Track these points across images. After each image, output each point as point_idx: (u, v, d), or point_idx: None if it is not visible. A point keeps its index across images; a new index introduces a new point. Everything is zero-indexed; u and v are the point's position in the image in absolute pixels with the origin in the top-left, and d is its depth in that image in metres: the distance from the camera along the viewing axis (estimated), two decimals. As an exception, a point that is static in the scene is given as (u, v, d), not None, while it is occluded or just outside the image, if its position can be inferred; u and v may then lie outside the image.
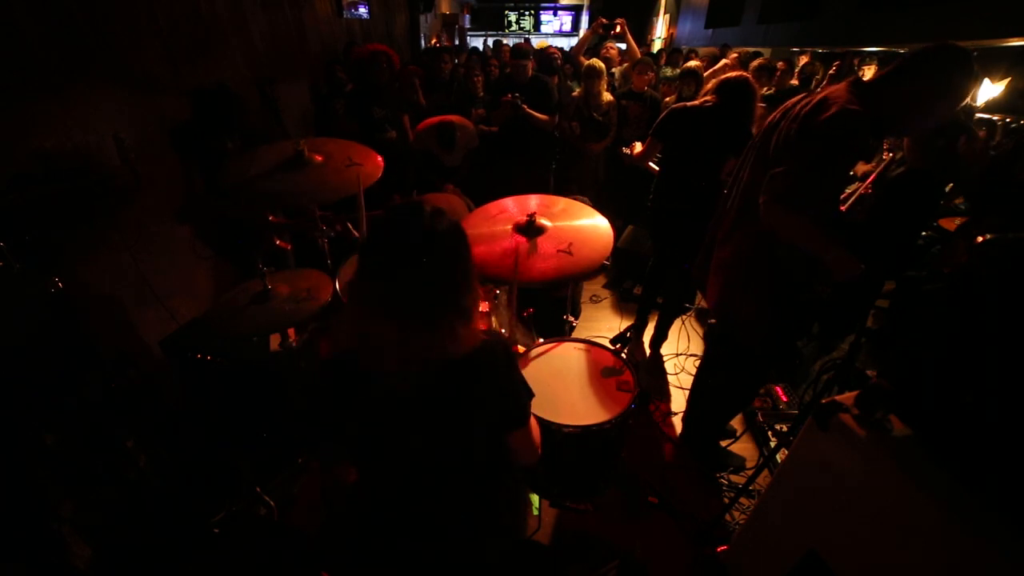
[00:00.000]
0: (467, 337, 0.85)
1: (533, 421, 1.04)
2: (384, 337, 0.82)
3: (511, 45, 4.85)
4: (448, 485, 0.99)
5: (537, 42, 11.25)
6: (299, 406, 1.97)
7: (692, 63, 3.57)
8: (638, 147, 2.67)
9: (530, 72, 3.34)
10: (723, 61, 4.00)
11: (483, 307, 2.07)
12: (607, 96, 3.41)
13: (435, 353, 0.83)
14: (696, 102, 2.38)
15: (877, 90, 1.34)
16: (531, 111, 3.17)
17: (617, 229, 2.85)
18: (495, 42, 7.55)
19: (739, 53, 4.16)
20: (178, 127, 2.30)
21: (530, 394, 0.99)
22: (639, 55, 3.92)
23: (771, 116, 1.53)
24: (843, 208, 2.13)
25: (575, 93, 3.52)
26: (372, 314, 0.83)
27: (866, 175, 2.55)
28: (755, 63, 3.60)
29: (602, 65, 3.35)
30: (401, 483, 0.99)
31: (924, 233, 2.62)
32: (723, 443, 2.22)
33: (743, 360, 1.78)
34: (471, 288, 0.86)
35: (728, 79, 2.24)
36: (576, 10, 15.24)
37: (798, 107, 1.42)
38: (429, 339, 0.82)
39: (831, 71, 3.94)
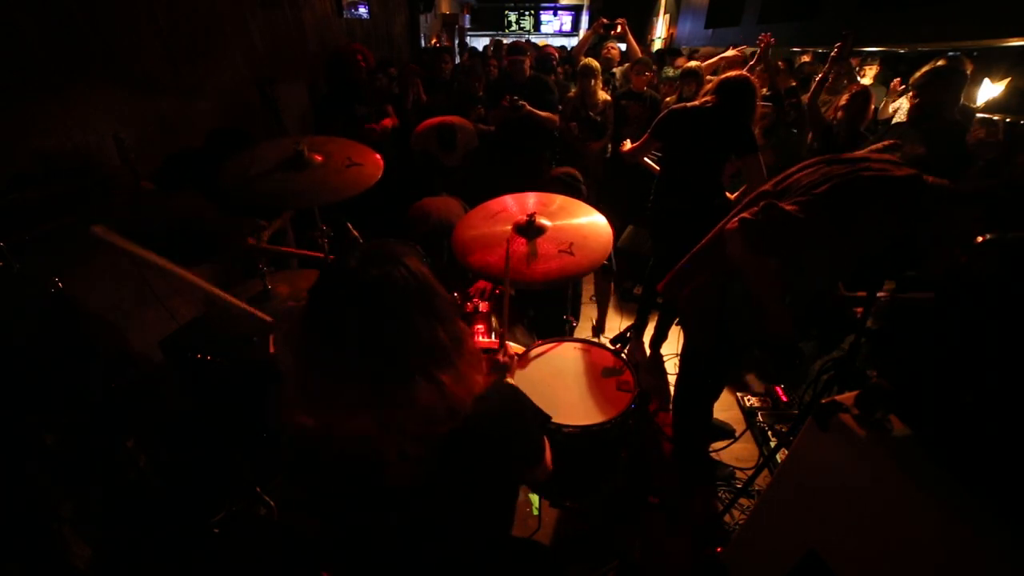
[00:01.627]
0: (459, 394, 0.70)
1: (544, 441, 0.97)
2: (360, 421, 0.67)
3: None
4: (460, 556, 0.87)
5: (537, 42, 11.24)
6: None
7: (692, 63, 3.57)
8: (628, 144, 2.67)
9: (528, 69, 3.35)
10: (731, 52, 3.98)
11: (482, 307, 2.08)
12: (603, 95, 3.42)
13: (425, 425, 0.68)
14: (696, 102, 2.38)
15: None
16: (534, 110, 3.16)
17: (617, 229, 2.85)
18: (495, 42, 7.54)
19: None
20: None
21: (544, 423, 0.91)
22: (640, 55, 3.92)
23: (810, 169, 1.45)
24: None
25: (571, 93, 3.53)
26: (332, 391, 0.67)
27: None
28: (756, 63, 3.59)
29: (597, 64, 3.35)
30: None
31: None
32: (722, 444, 2.22)
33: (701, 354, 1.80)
34: (444, 332, 0.70)
35: (728, 78, 2.24)
36: (576, 10, 15.24)
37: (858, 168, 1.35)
38: (408, 411, 0.67)
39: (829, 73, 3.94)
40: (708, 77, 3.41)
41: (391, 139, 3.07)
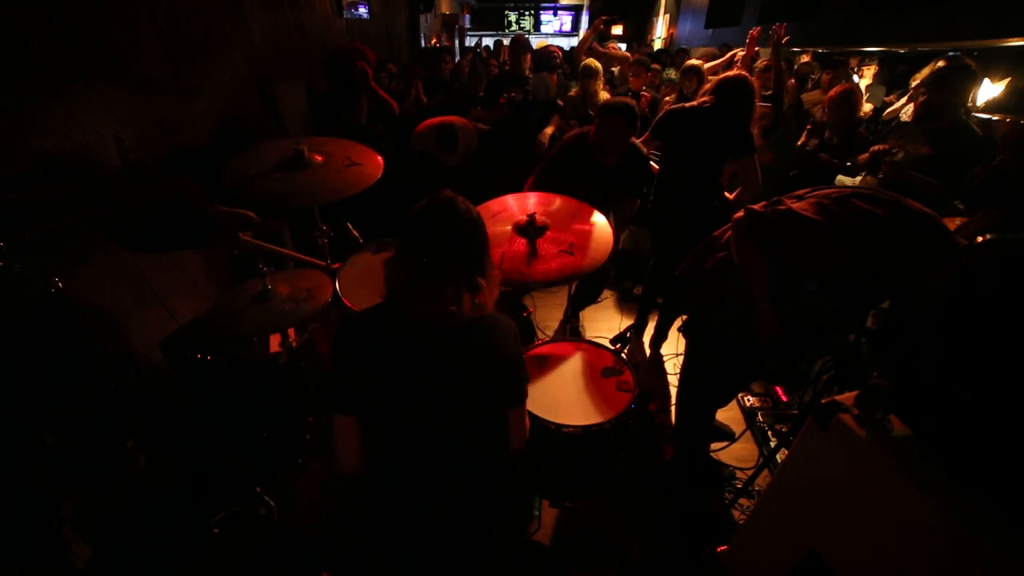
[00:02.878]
0: (478, 306, 0.98)
1: (525, 388, 1.14)
2: (412, 293, 0.97)
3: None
4: (454, 459, 1.06)
5: (537, 42, 11.24)
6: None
7: (694, 61, 3.56)
8: None
9: (527, 67, 3.35)
10: (735, 52, 3.97)
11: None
12: (604, 95, 3.42)
13: (449, 307, 0.95)
14: (694, 102, 2.38)
15: None
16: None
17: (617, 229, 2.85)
18: (495, 42, 7.54)
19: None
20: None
21: (527, 375, 1.11)
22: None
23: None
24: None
25: (572, 92, 3.53)
26: (407, 276, 0.98)
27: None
28: (758, 64, 3.59)
29: (598, 65, 3.35)
30: (407, 450, 1.05)
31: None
32: (721, 444, 2.22)
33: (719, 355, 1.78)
34: (486, 266, 1.03)
35: (725, 79, 2.24)
36: (576, 10, 15.24)
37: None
38: (447, 298, 0.95)
39: (826, 74, 3.94)
40: (709, 77, 3.41)
41: (391, 139, 3.06)
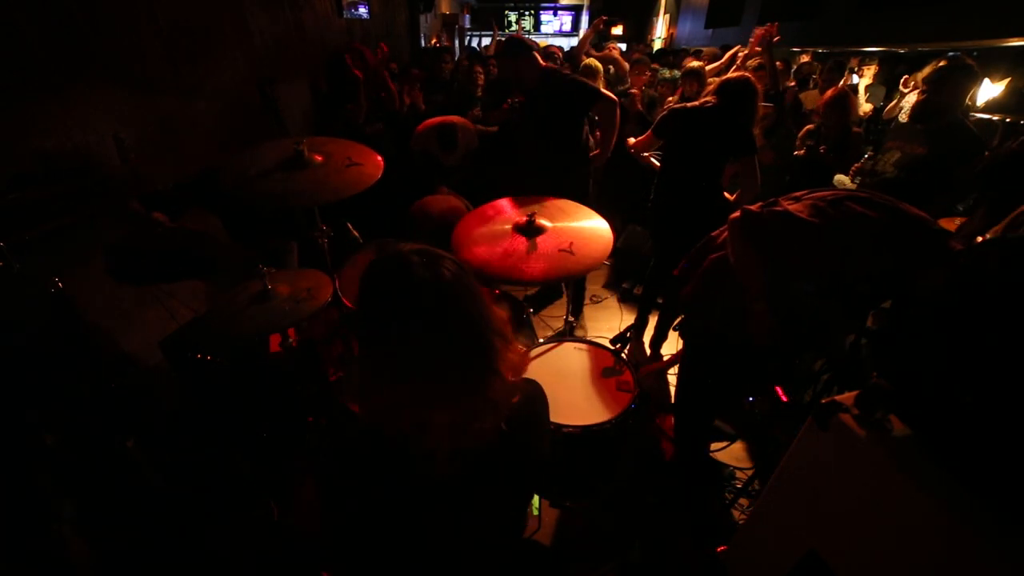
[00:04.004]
0: (509, 392, 0.73)
1: None
2: (423, 412, 0.69)
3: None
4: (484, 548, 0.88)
5: (538, 42, 11.24)
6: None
7: (694, 63, 3.57)
8: (631, 140, 2.68)
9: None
10: (736, 50, 3.96)
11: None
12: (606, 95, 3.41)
13: (485, 420, 0.71)
14: (697, 103, 2.38)
15: None
16: None
17: (617, 229, 2.84)
18: (497, 42, 7.54)
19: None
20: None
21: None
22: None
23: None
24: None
25: None
26: (399, 388, 0.69)
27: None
28: (751, 63, 3.59)
29: (599, 65, 3.35)
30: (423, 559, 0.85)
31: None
32: (721, 444, 2.22)
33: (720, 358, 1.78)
34: (496, 334, 0.73)
35: (729, 80, 2.24)
36: (576, 10, 15.24)
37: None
38: (472, 404, 0.69)
39: (824, 75, 3.94)
40: (711, 79, 3.41)
41: (391, 139, 3.07)
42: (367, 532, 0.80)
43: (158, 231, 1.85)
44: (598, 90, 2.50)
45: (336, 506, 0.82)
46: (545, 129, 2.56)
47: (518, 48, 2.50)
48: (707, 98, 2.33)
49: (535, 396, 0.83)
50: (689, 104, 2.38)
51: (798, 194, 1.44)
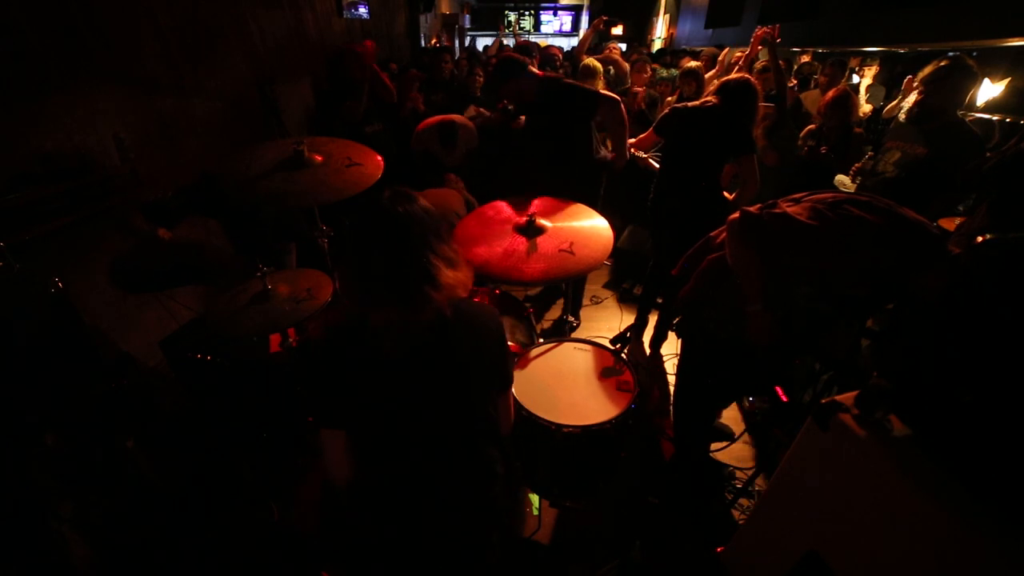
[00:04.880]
0: (438, 301, 0.91)
1: (512, 375, 1.16)
2: (363, 303, 0.92)
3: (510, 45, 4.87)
4: (446, 453, 1.04)
5: (539, 43, 11.24)
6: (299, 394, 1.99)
7: (692, 63, 3.57)
8: (631, 140, 2.68)
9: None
10: (726, 52, 3.98)
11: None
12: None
13: (411, 317, 0.91)
14: (698, 102, 2.38)
15: None
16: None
17: (617, 229, 2.84)
18: (495, 41, 7.56)
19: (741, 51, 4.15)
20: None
21: (513, 359, 1.10)
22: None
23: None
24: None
25: None
26: (354, 289, 0.93)
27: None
28: (758, 65, 3.60)
29: (599, 65, 3.35)
30: (400, 456, 1.02)
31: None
32: (721, 444, 2.22)
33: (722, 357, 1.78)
34: (440, 251, 0.93)
35: (729, 81, 2.24)
36: (576, 10, 15.26)
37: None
38: (403, 307, 0.90)
39: (825, 73, 3.94)
40: (709, 89, 3.42)
41: (391, 138, 3.07)
42: (339, 414, 0.99)
43: (161, 247, 1.88)
44: (597, 92, 2.45)
45: (314, 391, 1.00)
46: (549, 139, 2.51)
47: (508, 71, 2.41)
48: (708, 98, 2.33)
49: (479, 308, 1.05)
50: (690, 103, 2.39)
51: (797, 196, 1.43)
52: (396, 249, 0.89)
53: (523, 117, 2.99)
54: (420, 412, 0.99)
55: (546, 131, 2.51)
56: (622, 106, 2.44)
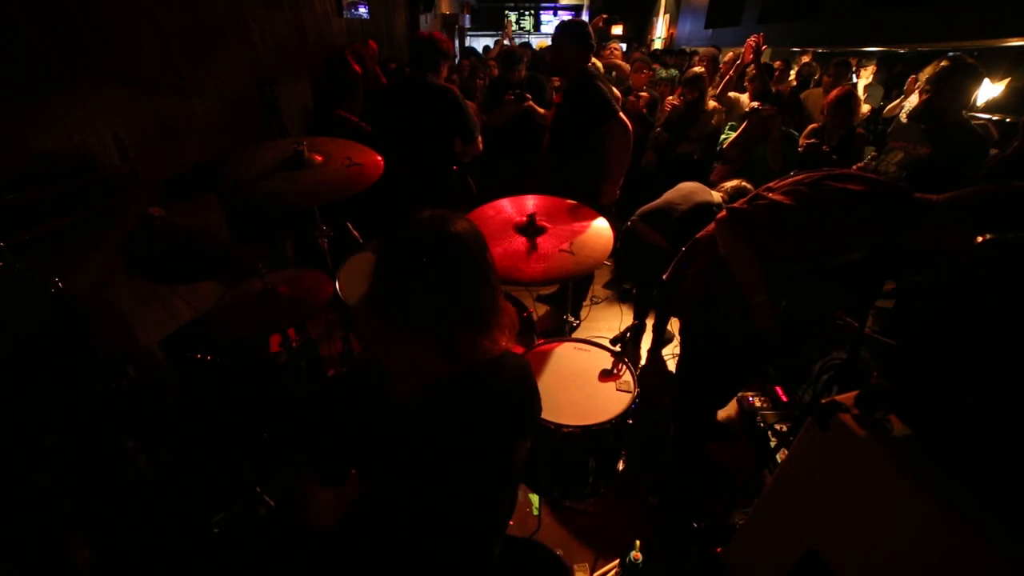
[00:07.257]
0: (486, 348, 0.80)
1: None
2: (392, 347, 0.80)
3: (508, 47, 4.87)
4: (454, 497, 0.97)
5: (537, 43, 11.25)
6: (303, 409, 1.97)
7: (696, 69, 3.56)
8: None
9: (523, 73, 3.36)
10: (730, 57, 3.98)
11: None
12: None
13: (441, 365, 0.80)
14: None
15: None
16: (534, 104, 3.18)
17: (617, 229, 2.84)
18: (497, 43, 7.58)
19: (734, 53, 4.13)
20: None
21: (540, 408, 0.99)
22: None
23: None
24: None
25: None
26: (379, 325, 0.80)
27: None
28: (750, 72, 3.59)
29: (600, 65, 3.35)
30: (407, 496, 0.96)
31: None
32: (721, 444, 2.22)
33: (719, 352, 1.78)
34: (485, 309, 0.80)
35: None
36: (576, 10, 15.25)
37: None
38: (435, 351, 0.79)
39: (829, 73, 3.94)
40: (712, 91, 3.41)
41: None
42: (353, 455, 0.91)
43: (156, 224, 1.84)
44: (615, 112, 2.37)
45: (329, 430, 0.93)
46: (564, 132, 2.52)
47: (581, 36, 2.34)
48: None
49: (520, 371, 0.92)
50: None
51: (773, 184, 1.47)
52: (439, 295, 0.76)
53: (530, 101, 3.10)
54: (433, 461, 0.89)
55: (563, 120, 2.52)
56: (630, 139, 2.41)
